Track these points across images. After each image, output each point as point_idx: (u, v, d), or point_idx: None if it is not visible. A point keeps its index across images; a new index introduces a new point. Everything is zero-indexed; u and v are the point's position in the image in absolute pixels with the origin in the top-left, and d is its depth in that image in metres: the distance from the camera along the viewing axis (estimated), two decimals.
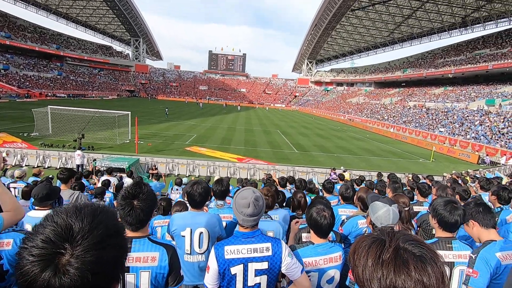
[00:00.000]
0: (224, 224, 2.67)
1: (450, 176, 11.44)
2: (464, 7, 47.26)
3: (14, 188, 5.20)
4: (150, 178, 11.42)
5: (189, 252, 2.35)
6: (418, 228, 3.35)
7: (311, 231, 2.10)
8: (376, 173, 11.60)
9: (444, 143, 28.21)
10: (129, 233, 1.77)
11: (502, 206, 3.43)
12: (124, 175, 9.77)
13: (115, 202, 6.02)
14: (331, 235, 2.23)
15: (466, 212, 2.14)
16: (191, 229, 2.34)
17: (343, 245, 2.20)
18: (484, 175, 13.75)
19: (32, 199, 3.12)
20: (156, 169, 13.27)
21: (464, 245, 2.11)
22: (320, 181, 12.99)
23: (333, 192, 4.83)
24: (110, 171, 8.88)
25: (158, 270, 1.74)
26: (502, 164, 19.74)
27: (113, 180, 7.66)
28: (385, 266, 0.74)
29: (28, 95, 46.66)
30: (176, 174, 13.90)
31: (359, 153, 22.54)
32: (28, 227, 2.60)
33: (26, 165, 13.31)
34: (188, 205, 3.04)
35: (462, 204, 4.42)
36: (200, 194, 2.45)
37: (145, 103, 57.15)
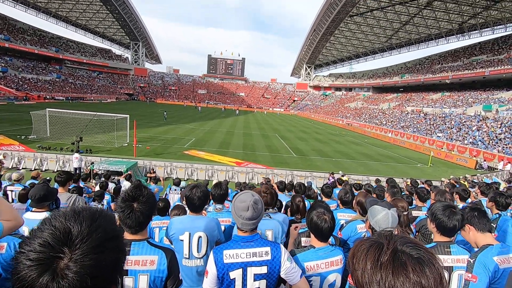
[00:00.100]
0: (222, 228, 2.66)
1: (448, 181, 11.47)
2: (461, 14, 47.83)
3: (11, 191, 5.17)
4: (148, 182, 11.38)
5: (187, 256, 2.33)
6: (417, 233, 3.35)
7: (312, 235, 2.09)
8: (375, 178, 11.62)
9: (442, 148, 28.33)
10: (128, 236, 1.76)
11: (500, 212, 3.43)
12: (122, 178, 9.73)
13: (112, 205, 5.99)
14: (330, 239, 2.23)
15: (464, 216, 2.16)
16: (189, 233, 2.32)
17: (342, 249, 2.20)
18: (481, 180, 13.80)
19: (29, 202, 3.10)
20: (154, 172, 13.24)
21: (463, 249, 2.11)
22: (319, 185, 12.99)
23: (332, 196, 4.83)
24: (108, 176, 8.84)
25: (157, 273, 1.73)
26: (500, 169, 19.84)
27: (111, 186, 7.62)
28: (384, 269, 0.74)
29: (26, 97, 46.56)
30: (174, 178, 13.84)
31: (358, 158, 22.58)
32: (25, 229, 2.58)
33: (23, 168, 13.23)
34: (186, 208, 3.03)
35: (462, 204, 4.45)
36: (199, 198, 2.44)
37: (144, 107, 57.13)
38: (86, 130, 19.89)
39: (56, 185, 4.24)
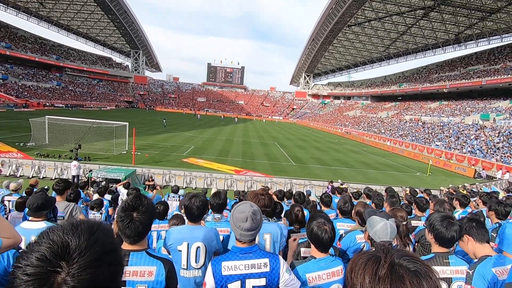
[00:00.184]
0: (221, 238, 2.64)
1: (447, 190, 11.47)
2: (457, 24, 48.60)
3: (9, 201, 5.14)
4: (146, 190, 11.32)
5: (185, 267, 2.31)
6: (416, 244, 3.34)
7: (312, 246, 2.08)
8: (374, 187, 11.59)
9: (441, 157, 28.39)
10: (126, 246, 1.75)
11: (500, 221, 3.42)
12: (119, 186, 9.67)
13: (110, 210, 5.95)
14: (330, 250, 2.22)
15: (462, 227, 2.16)
16: (188, 244, 2.31)
17: (342, 259, 2.19)
18: (480, 189, 13.79)
19: (26, 210, 3.08)
20: (152, 180, 13.19)
21: (461, 260, 2.10)
22: (318, 194, 12.95)
23: (331, 205, 4.82)
24: (106, 188, 8.76)
25: (155, 285, 1.72)
26: (498, 178, 19.85)
27: (108, 197, 7.55)
28: (382, 282, 0.75)
29: (26, 104, 46.64)
30: (172, 186, 13.79)
31: (356, 166, 22.58)
32: (22, 239, 2.56)
33: (21, 175, 13.16)
34: (185, 218, 3.01)
35: (462, 209, 4.43)
36: (198, 207, 2.43)
37: (143, 114, 57.27)
38: (85, 137, 19.88)
39: (53, 193, 4.22)
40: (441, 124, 37.30)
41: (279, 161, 21.57)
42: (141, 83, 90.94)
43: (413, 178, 20.42)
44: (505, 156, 23.58)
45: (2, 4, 59.68)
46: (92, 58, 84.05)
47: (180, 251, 2.32)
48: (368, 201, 6.34)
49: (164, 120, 38.56)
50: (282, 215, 4.18)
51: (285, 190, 6.96)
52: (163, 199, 8.00)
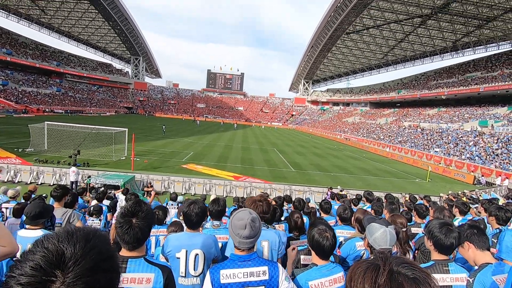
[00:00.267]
0: (220, 245, 2.62)
1: (447, 196, 11.45)
2: (454, 32, 49.17)
3: (6, 208, 5.11)
4: (145, 196, 11.27)
5: (183, 274, 2.29)
6: (416, 251, 3.32)
7: (313, 253, 2.07)
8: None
9: (440, 163, 28.40)
10: (125, 253, 1.73)
11: (500, 227, 3.41)
12: (118, 193, 9.63)
13: (108, 215, 5.91)
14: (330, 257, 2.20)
15: (461, 234, 2.15)
16: (186, 251, 2.29)
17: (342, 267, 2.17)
18: (480, 196, 13.77)
19: (23, 217, 3.05)
20: (151, 186, 13.13)
21: (461, 267, 2.09)
22: (317, 200, 12.91)
23: (330, 212, 4.80)
24: (104, 193, 8.73)
25: None
26: (498, 184, 19.84)
27: (107, 202, 7.52)
28: None
29: (25, 110, 46.70)
30: (171, 192, 13.73)
31: (356, 172, 22.56)
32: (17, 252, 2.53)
33: (19, 181, 13.10)
34: (183, 225, 2.99)
35: (461, 217, 4.42)
36: (197, 214, 2.42)
37: (143, 120, 57.34)
38: (84, 143, 19.86)
39: (51, 200, 4.20)
40: (440, 130, 37.43)
41: (279, 167, 21.55)
42: (141, 89, 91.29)
43: (413, 184, 20.40)
44: (504, 163, 23.61)
45: (3, 11, 60.26)
46: (92, 64, 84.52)
47: (179, 258, 2.29)
48: (368, 205, 6.33)
49: (163, 126, 38.59)
50: (282, 219, 4.16)
51: (284, 197, 6.93)
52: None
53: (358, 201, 7.56)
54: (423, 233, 2.73)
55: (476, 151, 27.72)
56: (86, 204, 7.10)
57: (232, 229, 1.78)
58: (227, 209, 5.76)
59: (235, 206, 7.13)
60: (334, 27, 54.51)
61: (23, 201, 5.45)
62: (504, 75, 41.03)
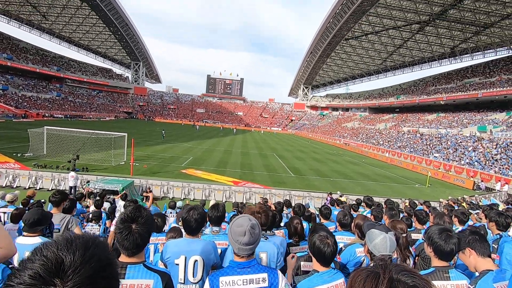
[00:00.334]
0: (219, 251, 2.60)
1: (447, 202, 11.42)
2: (452, 38, 49.62)
3: (4, 213, 5.07)
4: (144, 201, 11.22)
5: (182, 281, 2.27)
6: (417, 257, 3.30)
7: (314, 259, 2.06)
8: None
9: (439, 169, 28.40)
10: (124, 258, 1.72)
11: (500, 233, 3.40)
12: (117, 198, 9.59)
13: (107, 222, 5.87)
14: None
15: (462, 240, 2.14)
16: (185, 257, 2.27)
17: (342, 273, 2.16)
18: (480, 201, 13.75)
19: (21, 223, 3.02)
20: (150, 191, 13.07)
21: (461, 274, 2.08)
22: (317, 205, 12.87)
23: (330, 218, 4.78)
24: (103, 196, 8.72)
25: None
26: (498, 190, 19.82)
27: (106, 206, 7.50)
28: None
29: (25, 115, 46.71)
30: (171, 197, 13.69)
31: (355, 178, 22.54)
32: (15, 255, 2.50)
33: (17, 186, 13.05)
34: (183, 231, 2.97)
35: (461, 227, 4.40)
36: (196, 220, 2.41)
37: (142, 125, 57.39)
38: (83, 148, 19.84)
39: (49, 205, 4.17)
40: (439, 135, 37.52)
41: (278, 173, 21.51)
42: (140, 94, 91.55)
43: (412, 189, 20.37)
44: (503, 168, 23.63)
45: (4, 17, 60.72)
46: (92, 69, 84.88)
47: (178, 264, 2.28)
48: (368, 210, 6.31)
49: (163, 131, 38.61)
50: (282, 224, 4.14)
51: (283, 202, 6.91)
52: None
53: (358, 206, 7.54)
54: (422, 239, 2.72)
55: (475, 156, 27.76)
56: (84, 210, 7.06)
57: (232, 235, 1.78)
58: (226, 214, 5.74)
59: (234, 211, 7.10)
60: (333, 33, 54.99)
61: (21, 206, 5.42)
62: (502, 81, 41.30)
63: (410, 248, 3.18)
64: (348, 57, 70.94)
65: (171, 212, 7.35)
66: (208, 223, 3.07)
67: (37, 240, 2.64)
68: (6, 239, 1.82)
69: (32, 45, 70.10)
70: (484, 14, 39.41)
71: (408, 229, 4.00)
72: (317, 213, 6.72)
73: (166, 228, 4.46)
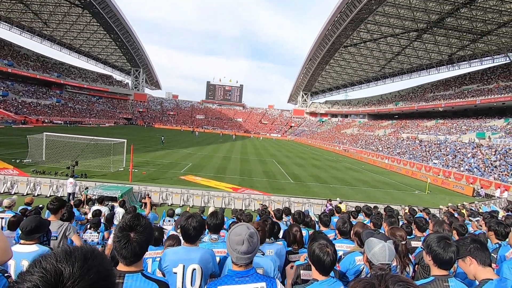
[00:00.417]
0: (218, 259, 2.58)
1: (447, 209, 11.39)
2: (449, 46, 50.14)
3: (1, 218, 5.03)
4: (142, 208, 11.16)
5: None
6: (417, 265, 3.28)
7: (313, 268, 2.04)
8: (373, 205, 11.50)
9: (439, 175, 28.38)
10: (122, 267, 1.71)
11: (499, 242, 3.39)
12: (116, 204, 9.54)
13: (105, 233, 5.82)
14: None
15: (463, 247, 2.12)
16: (183, 266, 2.26)
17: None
18: (480, 208, 13.71)
19: (19, 230, 3.00)
20: (149, 198, 13.01)
21: (461, 283, 2.06)
22: (316, 212, 12.82)
23: (330, 225, 4.76)
24: (101, 200, 8.69)
25: None
26: (497, 197, 19.78)
27: (104, 210, 7.46)
28: None
29: (24, 121, 46.75)
30: (169, 204, 13.63)
31: (355, 184, 22.49)
32: (11, 263, 2.47)
33: (15, 193, 12.98)
34: (181, 238, 2.95)
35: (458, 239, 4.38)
36: (195, 228, 2.40)
37: (142, 131, 57.41)
38: (82, 154, 19.80)
39: (47, 212, 4.15)
40: (438, 142, 37.59)
41: (277, 179, 21.47)
42: (140, 100, 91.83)
43: (412, 196, 20.31)
44: (502, 175, 23.63)
45: (6, 24, 61.24)
46: (93, 75, 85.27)
47: (176, 273, 2.26)
48: (367, 219, 6.28)
49: (162, 137, 38.60)
50: (280, 235, 4.11)
51: (282, 209, 6.88)
52: (158, 224, 7.87)
53: (357, 213, 7.51)
54: (421, 247, 2.71)
55: (474, 163, 27.77)
56: (82, 217, 7.01)
57: (230, 244, 1.77)
58: (225, 219, 5.71)
59: (233, 218, 7.06)
60: (332, 40, 55.55)
61: (19, 213, 5.38)
62: (500, 88, 41.61)
63: (410, 256, 3.16)
64: (347, 64, 71.51)
65: (169, 221, 7.30)
66: (207, 230, 3.05)
67: (34, 248, 2.62)
68: (3, 243, 1.81)
69: (33, 51, 70.58)
70: (481, 22, 39.91)
71: (408, 237, 3.98)
72: (317, 220, 6.69)
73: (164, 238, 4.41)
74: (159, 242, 3.73)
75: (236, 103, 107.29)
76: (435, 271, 2.10)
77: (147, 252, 3.29)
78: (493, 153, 28.17)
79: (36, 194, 12.94)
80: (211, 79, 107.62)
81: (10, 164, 17.05)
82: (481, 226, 6.08)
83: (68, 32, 67.70)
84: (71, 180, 12.41)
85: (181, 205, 13.47)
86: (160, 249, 3.62)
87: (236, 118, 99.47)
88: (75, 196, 12.22)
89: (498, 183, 22.20)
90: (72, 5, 56.02)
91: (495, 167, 25.51)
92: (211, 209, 7.37)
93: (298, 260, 2.85)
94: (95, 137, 21.70)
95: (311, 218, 5.51)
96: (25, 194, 12.84)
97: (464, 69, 55.63)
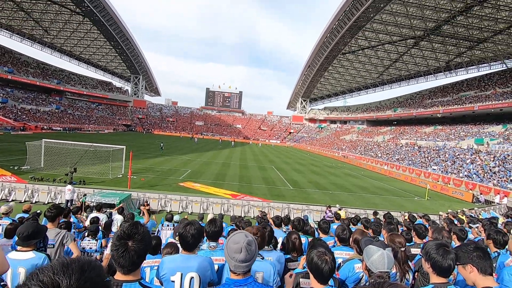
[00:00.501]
0: (216, 267, 2.56)
1: (446, 215, 11.35)
2: (446, 53, 50.65)
3: None
4: (141, 215, 11.09)
5: None
6: (416, 273, 3.26)
7: (311, 276, 2.02)
8: (372, 211, 11.47)
9: (438, 181, 28.35)
10: (120, 276, 1.69)
11: (498, 250, 3.38)
12: (114, 211, 9.47)
13: (103, 241, 5.77)
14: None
15: (465, 255, 2.09)
16: (181, 274, 2.24)
17: None
18: (479, 214, 13.67)
19: (15, 238, 2.97)
20: (148, 205, 12.94)
21: None
22: (316, 219, 12.75)
23: (329, 232, 4.73)
24: (100, 207, 8.62)
25: None
26: (497, 203, 19.74)
27: (102, 217, 7.41)
28: None
29: (23, 128, 46.71)
30: (168, 211, 13.54)
31: (354, 190, 22.44)
32: (8, 270, 2.45)
33: (13, 200, 12.89)
34: (179, 246, 2.93)
35: (459, 244, 4.36)
36: (193, 235, 2.38)
37: (141, 137, 57.39)
38: (81, 161, 19.74)
39: (44, 220, 4.12)
40: (437, 148, 37.66)
41: (277, 185, 21.41)
42: (140, 107, 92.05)
43: (411, 202, 20.26)
44: (501, 181, 23.63)
45: (7, 31, 61.70)
46: (92, 82, 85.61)
47: (173, 281, 2.24)
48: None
49: (161, 144, 38.56)
50: (278, 247, 4.09)
51: (282, 216, 6.85)
52: (157, 229, 7.81)
53: (357, 221, 7.48)
54: (420, 255, 2.69)
55: (473, 169, 27.79)
56: (80, 225, 6.96)
57: (228, 252, 1.76)
58: (224, 225, 5.67)
59: (232, 225, 7.02)
60: (330, 47, 56.09)
61: (16, 220, 5.34)
62: (497, 94, 41.92)
63: (410, 263, 3.14)
64: (345, 70, 72.06)
65: (168, 225, 7.25)
66: (205, 238, 3.04)
67: (30, 254, 2.60)
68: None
69: (34, 58, 70.97)
70: (477, 29, 40.41)
71: (408, 244, 3.96)
72: (316, 226, 6.66)
73: (164, 240, 4.38)
74: (157, 251, 3.70)
75: (235, 109, 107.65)
76: (434, 278, 2.08)
77: (145, 261, 3.28)
78: (492, 159, 28.21)
79: (34, 201, 12.85)
80: (211, 85, 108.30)
81: (8, 171, 16.97)
82: (480, 232, 6.06)
83: (68, 39, 68.20)
84: (69, 187, 12.35)
85: (180, 212, 13.40)
86: (158, 258, 3.59)
87: (235, 125, 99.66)
88: (73, 203, 12.14)
89: (498, 189, 22.18)
90: (73, 13, 56.59)
91: (494, 173, 25.53)
92: (210, 216, 7.33)
93: (297, 267, 2.83)
94: (94, 144, 21.65)
95: (310, 225, 5.47)
96: (23, 201, 12.75)
97: (461, 75, 56.21)
